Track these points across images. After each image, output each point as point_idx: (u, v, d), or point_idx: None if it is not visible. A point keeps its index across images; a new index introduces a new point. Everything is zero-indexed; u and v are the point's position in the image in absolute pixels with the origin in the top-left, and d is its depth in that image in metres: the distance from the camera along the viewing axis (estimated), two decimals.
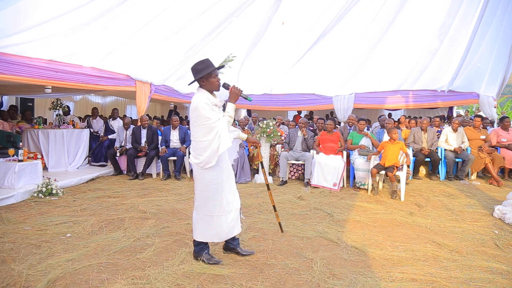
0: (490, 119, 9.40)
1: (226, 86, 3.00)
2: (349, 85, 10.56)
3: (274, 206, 3.67)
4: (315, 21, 8.87)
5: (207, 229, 2.97)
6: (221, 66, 3.09)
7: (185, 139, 7.07)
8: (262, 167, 3.72)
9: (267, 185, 3.61)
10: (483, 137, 7.06)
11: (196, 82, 2.94)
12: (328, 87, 10.72)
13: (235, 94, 2.96)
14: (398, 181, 5.45)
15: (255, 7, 7.75)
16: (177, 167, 6.87)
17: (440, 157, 6.84)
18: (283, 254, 3.20)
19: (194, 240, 3.05)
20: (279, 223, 3.75)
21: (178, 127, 7.13)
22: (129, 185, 6.21)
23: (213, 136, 2.77)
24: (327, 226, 4.01)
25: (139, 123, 7.51)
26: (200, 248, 3.03)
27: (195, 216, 3.03)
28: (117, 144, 7.36)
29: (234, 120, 8.86)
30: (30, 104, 10.61)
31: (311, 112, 13.87)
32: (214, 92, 2.94)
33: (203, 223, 2.98)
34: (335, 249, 3.35)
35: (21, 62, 5.34)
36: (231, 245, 3.19)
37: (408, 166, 5.99)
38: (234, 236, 3.13)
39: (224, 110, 3.01)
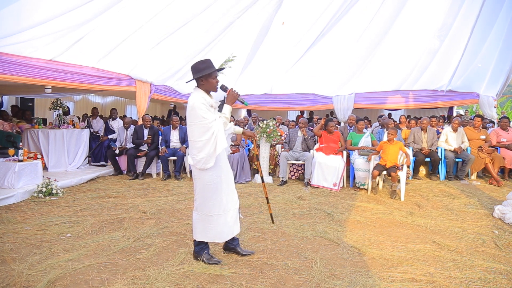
0: (489, 119, 9.40)
1: (224, 88, 3.03)
2: (349, 85, 10.56)
3: (267, 198, 3.82)
4: (315, 21, 8.87)
5: (207, 229, 2.98)
6: (222, 68, 3.10)
7: (185, 139, 7.07)
8: (257, 160, 3.81)
9: (262, 178, 3.73)
10: (483, 137, 7.06)
11: (194, 81, 2.96)
12: (328, 87, 10.71)
13: (233, 97, 2.98)
14: (398, 181, 5.46)
15: (256, 8, 7.73)
16: (177, 167, 6.87)
17: (440, 157, 6.84)
18: (283, 254, 3.21)
19: (194, 240, 3.05)
20: (271, 215, 3.92)
21: (178, 127, 7.14)
22: (129, 185, 6.21)
23: (209, 136, 2.79)
24: (327, 226, 4.01)
25: (139, 123, 7.51)
26: (200, 248, 3.04)
27: (195, 216, 3.03)
28: (118, 144, 7.36)
29: (234, 119, 8.86)
30: (30, 104, 10.60)
31: (311, 112, 13.86)
32: (210, 93, 2.97)
33: (203, 223, 2.98)
34: (335, 249, 3.35)
35: (21, 62, 5.34)
36: (231, 245, 3.19)
37: (408, 166, 5.99)
38: (234, 236, 3.13)
39: (219, 111, 3.02)
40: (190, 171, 6.89)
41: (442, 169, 6.92)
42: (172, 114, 13.09)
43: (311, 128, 7.26)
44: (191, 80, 2.99)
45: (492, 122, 9.33)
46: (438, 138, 7.15)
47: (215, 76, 2.93)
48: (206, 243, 3.06)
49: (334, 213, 4.51)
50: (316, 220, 4.22)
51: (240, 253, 3.18)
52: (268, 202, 3.85)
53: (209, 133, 2.79)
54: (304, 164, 6.46)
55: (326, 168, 6.05)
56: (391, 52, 9.69)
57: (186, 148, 6.94)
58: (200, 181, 2.95)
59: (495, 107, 9.61)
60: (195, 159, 2.88)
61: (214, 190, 2.93)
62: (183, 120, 11.50)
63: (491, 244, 3.53)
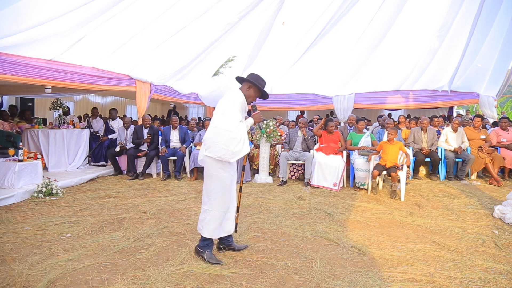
0: (490, 119, 9.39)
1: (254, 108, 3.20)
2: (349, 85, 10.56)
3: (238, 208, 3.33)
4: (315, 21, 8.87)
5: (217, 225, 3.03)
6: (266, 95, 3.20)
7: (185, 139, 7.08)
8: (242, 170, 3.64)
9: (240, 187, 3.42)
10: (483, 137, 7.06)
11: (240, 82, 3.16)
12: (328, 87, 10.71)
13: (258, 118, 3.17)
14: (398, 181, 5.46)
15: (257, 10, 7.73)
16: (177, 167, 6.87)
17: (440, 157, 6.84)
18: (283, 254, 3.21)
19: (202, 236, 3.06)
20: (236, 224, 3.35)
21: (178, 127, 7.14)
22: (129, 185, 6.21)
23: (237, 132, 2.86)
24: (327, 226, 4.01)
25: (139, 123, 7.51)
26: (206, 244, 3.06)
27: (207, 214, 3.01)
28: (118, 141, 7.37)
29: None
30: (30, 104, 10.61)
31: (302, 112, 13.81)
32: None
33: (215, 220, 3.01)
34: (335, 249, 3.35)
35: (21, 62, 5.34)
36: (227, 242, 3.23)
37: (408, 166, 5.98)
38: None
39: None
40: (191, 171, 6.89)
41: (442, 169, 6.92)
42: (172, 114, 13.08)
43: (311, 128, 7.26)
44: (243, 79, 3.13)
45: (495, 123, 9.30)
46: (438, 138, 7.15)
47: (258, 95, 3.14)
48: (212, 240, 3.09)
49: (334, 213, 4.51)
50: (316, 220, 4.22)
51: (236, 248, 3.24)
52: (237, 212, 3.34)
53: (237, 128, 2.87)
54: (304, 164, 6.46)
55: (326, 168, 6.05)
56: (391, 52, 9.69)
57: (186, 148, 6.94)
58: (217, 178, 2.97)
59: (495, 107, 9.61)
60: (223, 150, 2.84)
61: (227, 187, 3.01)
62: (182, 120, 11.52)
63: (491, 244, 3.53)
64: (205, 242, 3.05)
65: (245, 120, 3.08)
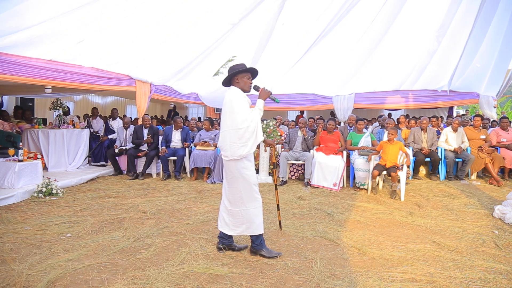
0: (490, 119, 9.39)
1: (256, 88, 3.22)
2: (349, 85, 10.55)
3: (278, 205, 3.84)
4: (315, 22, 8.87)
5: (262, 219, 3.12)
6: (254, 69, 3.20)
7: (186, 140, 7.08)
8: (274, 168, 3.98)
9: (275, 185, 3.78)
10: (483, 137, 7.06)
11: (228, 83, 3.17)
12: (328, 87, 10.70)
13: (265, 93, 3.17)
14: (398, 181, 5.46)
15: (259, 11, 7.73)
16: (177, 167, 6.87)
17: (440, 157, 6.84)
18: (283, 254, 3.20)
19: (253, 236, 3.11)
20: (279, 222, 3.90)
21: (181, 128, 7.12)
22: (129, 185, 6.21)
23: (248, 123, 2.92)
24: (327, 226, 4.01)
25: (139, 123, 7.51)
26: (261, 241, 3.12)
27: (253, 212, 3.07)
28: (117, 144, 7.37)
29: None
30: (30, 104, 10.60)
31: (302, 112, 13.83)
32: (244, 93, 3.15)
33: (260, 214, 3.10)
34: (335, 249, 3.35)
35: (21, 62, 5.33)
36: (227, 242, 3.24)
37: (408, 166, 5.98)
38: (226, 233, 3.18)
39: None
40: (191, 171, 6.89)
41: (442, 169, 6.92)
42: (172, 114, 13.08)
43: (311, 128, 7.26)
44: (227, 77, 3.14)
45: (495, 121, 9.28)
46: (438, 138, 7.15)
47: (248, 77, 3.12)
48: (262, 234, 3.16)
49: (334, 213, 4.51)
50: (316, 220, 4.22)
51: (236, 248, 3.25)
52: (278, 209, 3.86)
53: (248, 120, 2.93)
54: (304, 164, 6.46)
55: (326, 168, 6.05)
56: (391, 52, 9.69)
57: (188, 145, 6.97)
58: (242, 177, 3.03)
59: (495, 107, 9.60)
60: (244, 147, 2.93)
61: (254, 185, 3.08)
62: (184, 120, 11.52)
63: (491, 244, 3.53)
64: (260, 239, 3.12)
65: (255, 106, 3.10)
